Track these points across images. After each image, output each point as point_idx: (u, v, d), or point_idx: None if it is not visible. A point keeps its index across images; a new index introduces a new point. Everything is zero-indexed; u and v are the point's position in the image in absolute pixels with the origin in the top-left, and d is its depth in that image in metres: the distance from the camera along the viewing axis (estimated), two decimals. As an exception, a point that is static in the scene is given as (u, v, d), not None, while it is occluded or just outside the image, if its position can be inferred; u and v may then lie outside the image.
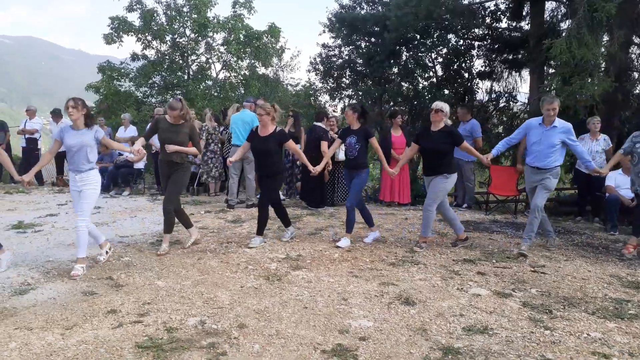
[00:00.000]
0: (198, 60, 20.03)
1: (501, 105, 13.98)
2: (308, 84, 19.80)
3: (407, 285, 4.41)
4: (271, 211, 5.88)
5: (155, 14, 18.60)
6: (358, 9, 14.65)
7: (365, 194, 10.88)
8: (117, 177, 10.27)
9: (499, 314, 3.75)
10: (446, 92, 13.48)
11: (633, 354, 3.12)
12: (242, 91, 19.67)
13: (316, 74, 15.52)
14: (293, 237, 6.01)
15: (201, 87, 19.32)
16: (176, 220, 5.65)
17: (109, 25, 18.10)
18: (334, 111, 15.41)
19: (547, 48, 8.76)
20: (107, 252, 5.12)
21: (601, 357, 3.05)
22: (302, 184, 8.55)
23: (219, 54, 19.94)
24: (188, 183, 9.98)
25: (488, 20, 13.32)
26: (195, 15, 18.57)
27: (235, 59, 19.92)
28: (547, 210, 9.38)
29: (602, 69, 9.20)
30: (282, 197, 9.21)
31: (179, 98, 5.65)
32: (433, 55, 14.00)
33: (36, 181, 11.31)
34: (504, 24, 13.44)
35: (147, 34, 18.68)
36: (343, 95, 15.28)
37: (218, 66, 20.58)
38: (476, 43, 13.79)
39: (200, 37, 19.33)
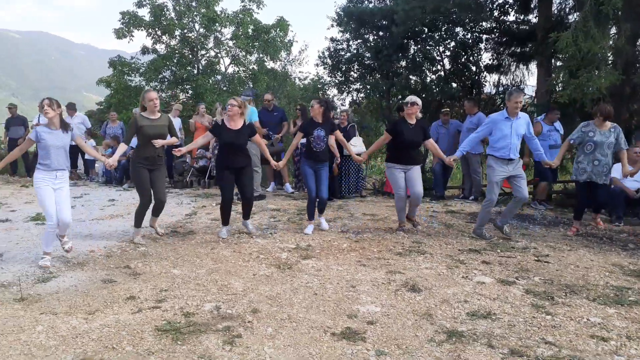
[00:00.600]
0: (207, 54, 20.18)
1: (509, 98, 14.00)
2: (316, 78, 19.94)
3: (414, 273, 4.56)
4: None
5: (165, 9, 18.76)
6: (366, 2, 14.74)
7: (373, 187, 11.01)
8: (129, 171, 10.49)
9: (502, 301, 3.90)
10: (454, 85, 13.57)
11: (630, 337, 3.26)
12: (251, 85, 19.81)
13: (324, 68, 15.65)
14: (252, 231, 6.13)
15: (210, 81, 19.48)
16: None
17: (119, 20, 18.31)
18: (342, 105, 15.53)
19: (553, 41, 8.82)
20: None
21: (599, 340, 3.19)
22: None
23: (228, 49, 20.08)
24: (200, 176, 10.25)
25: (496, 13, 13.35)
26: (204, 10, 18.71)
27: (243, 53, 20.04)
28: (554, 202, 9.50)
29: (610, 62, 9.24)
30: (290, 190, 9.40)
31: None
32: (441, 49, 14.06)
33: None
34: (511, 17, 13.48)
35: (157, 29, 18.85)
36: (351, 89, 15.42)
37: (227, 60, 20.73)
38: (484, 36, 13.83)
39: (208, 32, 19.47)
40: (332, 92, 16.65)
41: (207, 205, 7.79)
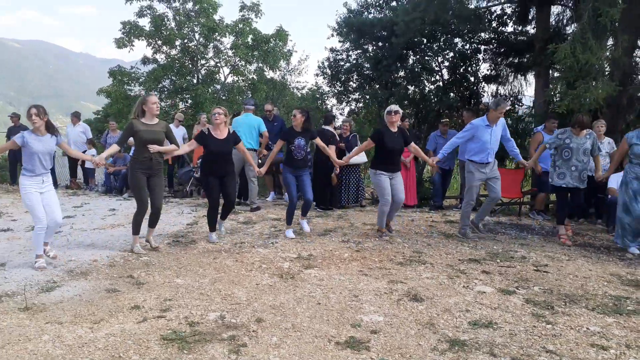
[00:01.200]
0: (207, 64, 20.29)
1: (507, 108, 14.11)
2: (315, 87, 20.02)
3: (415, 283, 4.61)
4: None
5: (165, 19, 18.88)
6: (366, 13, 14.86)
7: (372, 196, 11.06)
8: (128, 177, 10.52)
9: (503, 310, 3.94)
10: (452, 95, 13.65)
11: (630, 345, 3.30)
12: (250, 95, 19.90)
13: (324, 78, 15.73)
14: (223, 235, 6.34)
15: (210, 90, 19.56)
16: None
17: (120, 30, 18.40)
18: (340, 114, 15.60)
19: (552, 52, 8.92)
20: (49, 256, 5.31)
21: (599, 349, 3.24)
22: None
23: (227, 58, 20.19)
24: (199, 185, 10.29)
25: (494, 24, 13.46)
26: (204, 20, 18.83)
27: (243, 62, 20.15)
28: (551, 212, 9.56)
29: (607, 73, 9.34)
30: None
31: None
32: (439, 59, 14.16)
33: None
34: (510, 28, 13.58)
35: (157, 39, 18.96)
36: (350, 99, 15.49)
37: (226, 70, 20.83)
38: (482, 47, 13.93)
39: (208, 42, 19.58)
40: (332, 101, 16.74)
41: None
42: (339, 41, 15.08)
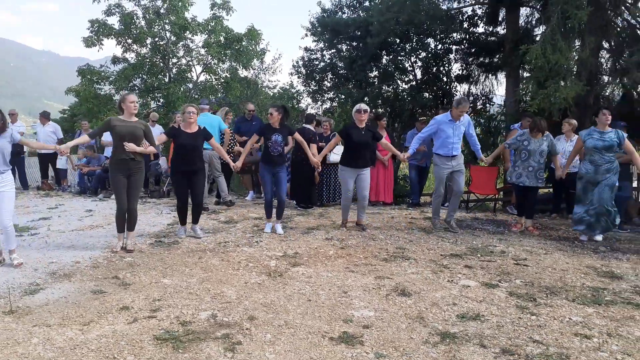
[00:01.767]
0: (179, 63, 20.03)
1: (478, 107, 14.45)
2: (287, 87, 19.99)
3: (401, 278, 4.70)
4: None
5: (135, 17, 18.55)
6: (340, 13, 14.96)
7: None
8: (105, 181, 10.33)
9: (488, 303, 4.07)
10: (426, 95, 13.89)
11: (611, 334, 3.46)
12: (224, 94, 19.75)
13: (298, 77, 15.78)
14: (201, 236, 6.34)
15: (182, 89, 19.32)
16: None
17: (88, 29, 17.99)
18: (317, 114, 15.67)
19: (523, 53, 9.19)
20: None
21: (583, 338, 3.39)
22: (291, 184, 8.77)
23: (200, 57, 19.98)
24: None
25: (465, 25, 13.77)
26: (174, 18, 18.58)
27: (215, 61, 19.97)
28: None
29: (575, 73, 9.67)
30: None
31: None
32: (413, 59, 14.39)
33: (21, 186, 11.30)
34: (480, 29, 13.93)
35: (127, 37, 18.62)
36: (325, 98, 15.60)
37: (199, 69, 20.61)
38: (454, 47, 14.23)
39: (179, 40, 19.34)
40: (307, 101, 16.81)
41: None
42: (313, 41, 15.16)
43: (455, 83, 14.40)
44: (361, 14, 14.33)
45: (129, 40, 18.68)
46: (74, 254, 5.49)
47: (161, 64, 19.60)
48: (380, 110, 13.36)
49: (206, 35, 19.21)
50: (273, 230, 6.60)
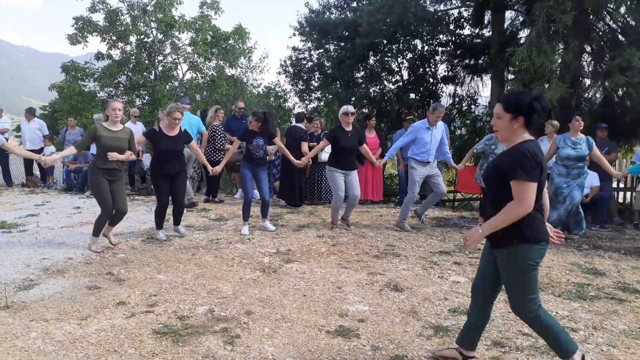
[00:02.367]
0: (165, 60, 19.92)
1: (464, 108, 14.67)
2: (272, 86, 19.98)
3: (393, 274, 4.80)
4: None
5: (119, 14, 18.39)
6: (327, 13, 15.05)
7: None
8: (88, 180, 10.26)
9: (478, 298, 4.18)
10: (412, 95, 14.05)
11: (596, 327, 3.61)
12: (210, 92, 19.70)
13: (286, 76, 15.84)
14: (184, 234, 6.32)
15: (167, 87, 19.22)
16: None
17: (72, 26, 17.80)
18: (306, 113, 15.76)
19: (509, 55, 9.37)
20: None
21: (570, 331, 3.52)
22: (280, 183, 8.84)
23: (186, 55, 19.89)
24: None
25: (452, 27, 13.94)
26: (161, 15, 18.47)
27: (202, 59, 19.90)
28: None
29: (558, 75, 9.89)
30: (258, 197, 9.50)
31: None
32: (400, 60, 14.53)
33: (5, 183, 11.18)
34: (466, 31, 14.11)
35: (111, 34, 18.46)
36: (312, 98, 15.67)
37: (185, 67, 20.52)
38: (440, 49, 14.40)
39: (166, 37, 19.23)
40: (294, 100, 16.87)
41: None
42: (301, 40, 15.22)
43: (441, 84, 14.57)
44: (349, 15, 14.44)
45: (114, 37, 18.53)
46: (66, 250, 5.48)
47: (147, 62, 19.47)
48: (366, 110, 13.47)
49: (193, 34, 19.15)
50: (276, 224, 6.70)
